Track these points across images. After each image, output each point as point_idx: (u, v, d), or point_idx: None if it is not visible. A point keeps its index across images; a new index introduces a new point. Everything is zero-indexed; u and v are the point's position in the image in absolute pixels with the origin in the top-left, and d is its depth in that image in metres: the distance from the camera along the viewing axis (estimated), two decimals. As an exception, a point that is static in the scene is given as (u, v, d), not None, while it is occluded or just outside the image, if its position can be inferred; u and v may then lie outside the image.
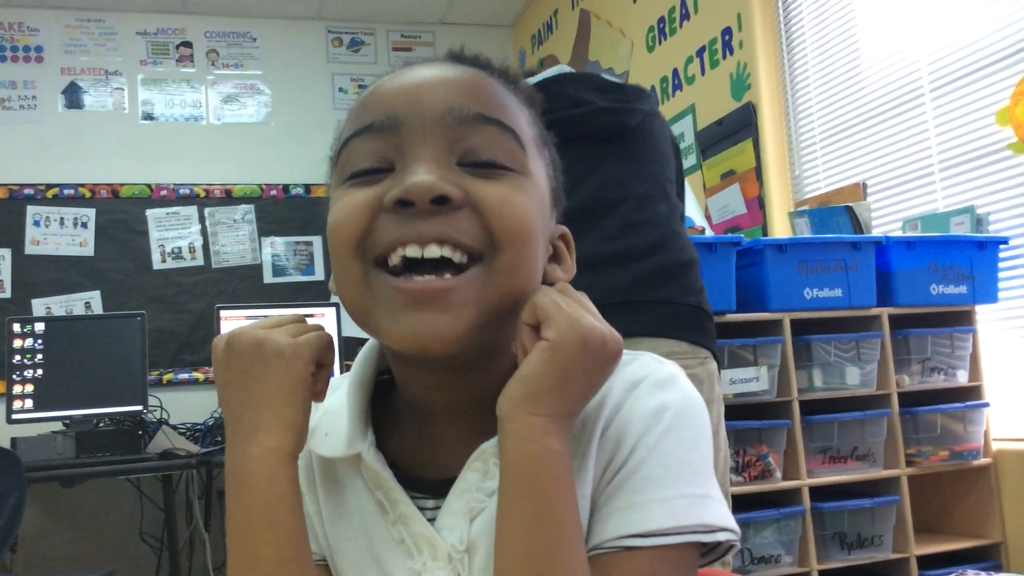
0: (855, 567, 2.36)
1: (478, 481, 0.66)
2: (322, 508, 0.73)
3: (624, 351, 0.66)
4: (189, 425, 3.64)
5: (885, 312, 2.44)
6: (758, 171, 3.19)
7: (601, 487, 0.64)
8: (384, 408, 0.73)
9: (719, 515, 0.64)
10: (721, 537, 0.64)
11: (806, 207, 2.78)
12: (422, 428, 0.71)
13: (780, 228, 3.11)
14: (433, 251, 0.60)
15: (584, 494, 0.65)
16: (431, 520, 0.67)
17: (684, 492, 0.63)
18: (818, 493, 2.35)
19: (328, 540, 0.73)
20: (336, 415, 0.71)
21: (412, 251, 0.60)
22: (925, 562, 2.40)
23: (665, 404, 0.65)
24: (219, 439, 3.45)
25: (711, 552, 0.66)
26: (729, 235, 2.82)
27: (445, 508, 0.67)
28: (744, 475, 2.28)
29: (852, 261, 2.41)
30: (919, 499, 2.50)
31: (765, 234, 3.15)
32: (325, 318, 3.76)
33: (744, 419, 2.30)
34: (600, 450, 0.65)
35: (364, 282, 0.62)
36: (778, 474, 2.32)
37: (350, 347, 3.78)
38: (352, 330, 3.88)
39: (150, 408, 3.53)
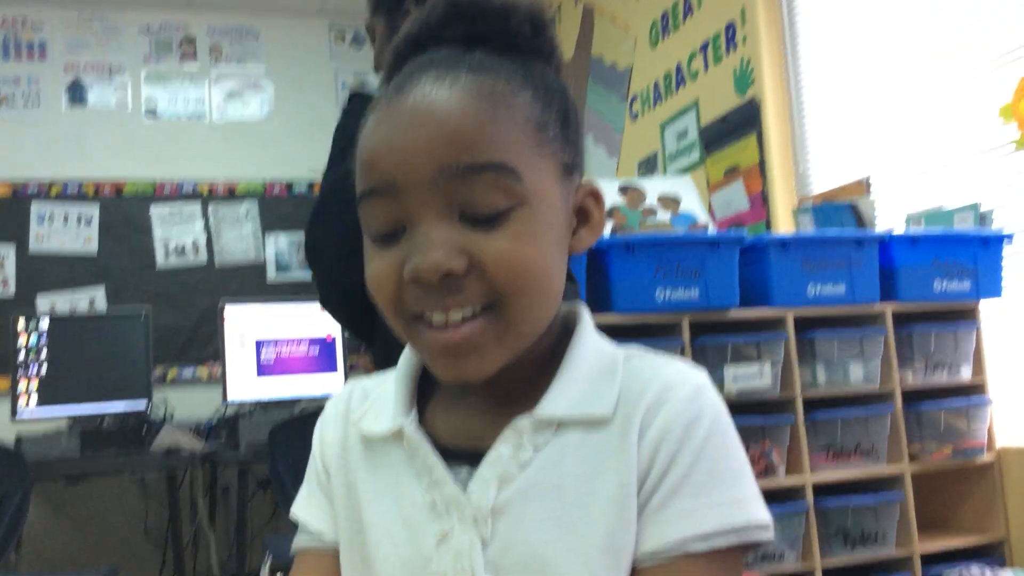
0: (858, 564, 2.36)
1: (511, 453, 0.70)
2: (359, 484, 0.77)
3: (654, 354, 0.73)
4: (194, 422, 3.65)
5: (888, 308, 2.44)
6: (762, 167, 3.19)
7: (647, 491, 0.68)
8: (426, 392, 0.79)
9: (764, 515, 0.69)
10: (764, 536, 0.69)
11: (810, 203, 2.78)
12: (460, 406, 0.76)
13: (784, 224, 3.10)
14: (455, 316, 0.67)
15: (628, 492, 0.68)
16: (463, 487, 0.71)
17: (735, 495, 0.68)
18: (821, 490, 2.35)
19: (357, 520, 0.76)
20: (383, 399, 0.78)
21: (437, 318, 0.68)
22: (928, 559, 2.40)
23: (702, 409, 0.70)
24: (223, 436, 3.46)
25: (748, 549, 0.70)
26: (732, 231, 2.82)
27: (476, 475, 0.71)
28: (747, 472, 2.28)
29: (856, 257, 2.41)
30: (922, 496, 2.50)
31: (768, 230, 3.15)
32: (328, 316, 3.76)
33: (747, 415, 2.30)
34: (640, 450, 0.69)
35: (407, 332, 0.71)
36: (781, 470, 2.32)
37: (352, 344, 3.79)
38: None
39: (154, 405, 3.54)
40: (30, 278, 4.22)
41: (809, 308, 2.38)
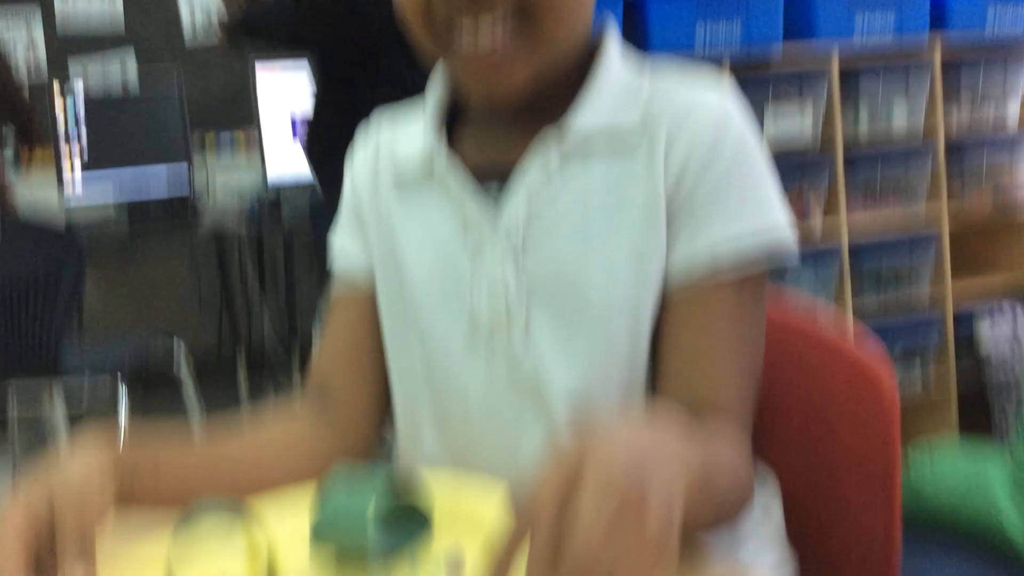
0: (889, 305, 2.41)
1: (540, 168, 0.72)
2: (392, 208, 0.79)
3: (676, 72, 0.74)
4: (236, 192, 3.70)
5: (937, 44, 2.34)
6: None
7: (677, 203, 0.69)
8: (455, 118, 0.80)
9: (788, 234, 0.71)
10: (788, 237, 0.71)
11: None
12: (489, 127, 0.77)
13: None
14: (485, 20, 0.66)
15: (654, 206, 0.69)
16: (494, 204, 0.73)
17: (762, 211, 0.70)
18: (857, 234, 2.37)
19: (391, 246, 0.79)
20: (413, 127, 0.79)
21: (468, 24, 0.66)
22: (962, 299, 2.45)
23: (727, 125, 0.70)
24: (266, 208, 3.52)
25: (775, 261, 0.73)
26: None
27: (507, 192, 0.72)
28: (784, 217, 2.29)
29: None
30: (958, 240, 2.51)
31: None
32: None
33: (785, 160, 2.28)
34: (667, 166, 0.69)
35: (434, 46, 0.70)
36: (818, 215, 2.33)
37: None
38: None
39: (195, 175, 3.58)
40: (59, 45, 4.16)
41: (855, 49, 2.30)
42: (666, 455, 0.47)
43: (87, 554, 0.56)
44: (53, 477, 0.59)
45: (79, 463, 0.60)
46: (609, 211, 0.71)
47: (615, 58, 0.75)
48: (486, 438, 0.74)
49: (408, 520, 0.56)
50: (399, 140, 0.80)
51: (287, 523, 0.58)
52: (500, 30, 0.66)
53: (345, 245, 0.83)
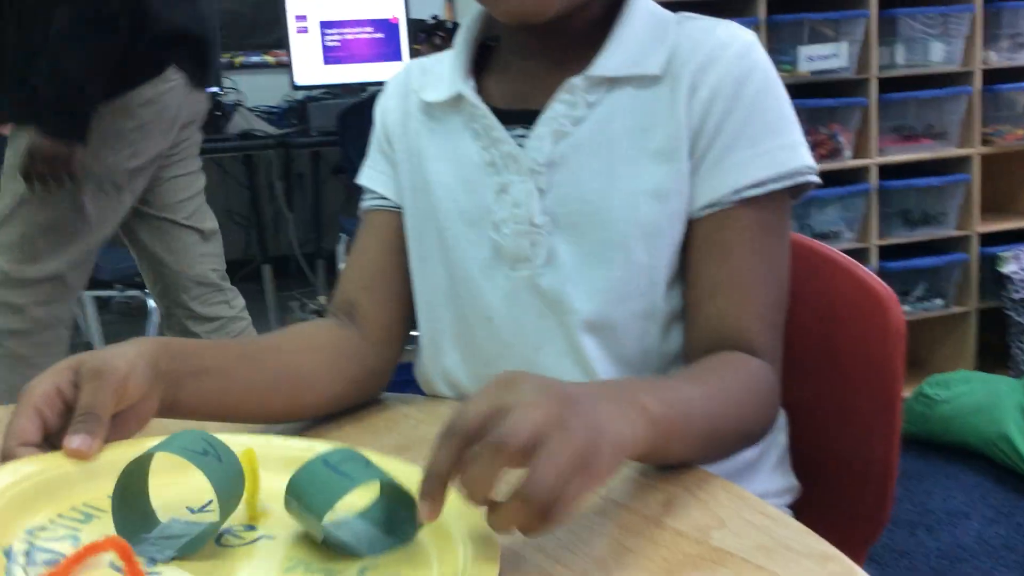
0: (916, 243, 2.42)
1: (565, 111, 0.74)
2: (422, 148, 0.81)
3: (702, 18, 0.75)
4: (264, 108, 3.71)
5: (981, -17, 2.30)
6: None
7: (702, 144, 0.72)
8: (486, 63, 0.82)
9: (810, 160, 0.73)
10: (812, 179, 0.73)
11: None
12: (515, 71, 0.79)
13: None
14: None
15: (677, 145, 0.72)
16: (520, 144, 0.75)
17: (785, 142, 0.72)
18: (887, 172, 2.36)
19: (420, 180, 0.81)
20: (442, 71, 0.81)
21: None
22: (987, 240, 2.44)
23: (754, 65, 0.73)
24: (295, 122, 3.53)
25: (797, 192, 0.75)
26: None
27: (533, 132, 0.75)
28: (812, 154, 2.28)
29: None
30: (990, 179, 2.49)
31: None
32: (391, -3, 3.67)
33: (818, 97, 2.26)
34: (691, 106, 0.72)
35: None
36: (847, 153, 2.32)
37: (416, 27, 3.74)
38: (417, 11, 3.80)
39: (225, 90, 3.58)
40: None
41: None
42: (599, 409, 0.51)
43: (94, 425, 0.55)
44: (88, 356, 0.59)
45: (117, 349, 0.61)
46: (632, 148, 0.73)
47: (641, 3, 0.77)
48: (507, 359, 0.77)
49: (389, 526, 0.53)
50: (429, 83, 0.82)
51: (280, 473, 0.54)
52: None
53: (374, 175, 0.86)
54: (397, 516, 0.53)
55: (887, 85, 2.32)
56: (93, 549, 0.47)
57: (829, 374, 0.88)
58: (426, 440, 0.72)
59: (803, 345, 0.82)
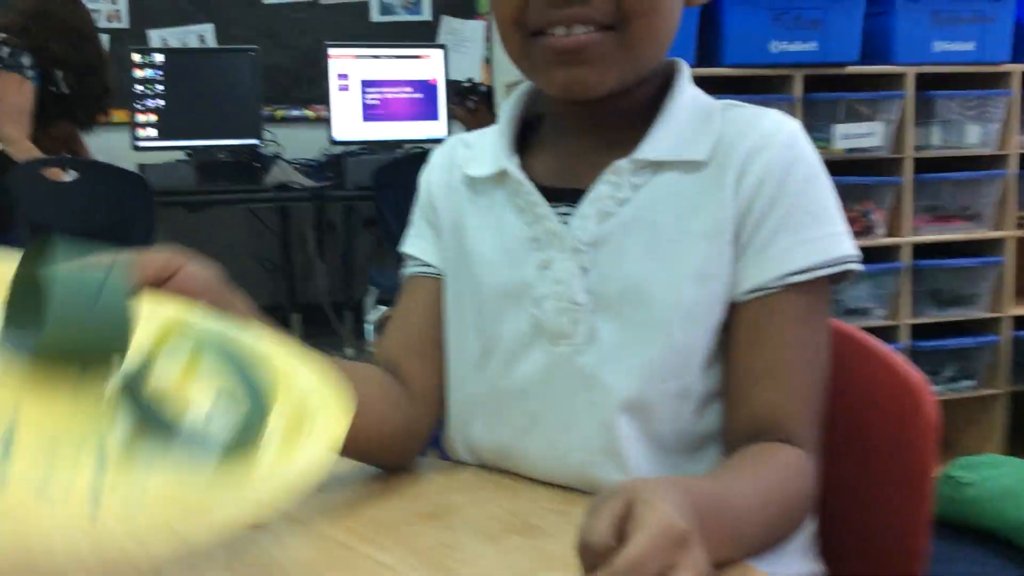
0: (947, 323, 2.40)
1: (611, 191, 0.75)
2: (466, 222, 0.83)
3: (747, 106, 0.77)
4: (303, 160, 3.77)
5: (1018, 69, 2.31)
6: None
7: (747, 229, 0.73)
8: (530, 139, 0.83)
9: (854, 249, 0.74)
10: (856, 267, 0.75)
11: (948, -49, 2.57)
12: (560, 150, 0.80)
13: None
14: (577, 30, 0.70)
15: (721, 229, 0.73)
16: (564, 222, 0.76)
17: (830, 231, 0.73)
18: (920, 251, 2.35)
19: (463, 252, 0.82)
20: (486, 147, 0.83)
21: (559, 31, 0.71)
22: (1021, 322, 2.42)
23: (800, 154, 0.74)
24: (331, 175, 3.58)
25: (838, 280, 0.76)
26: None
27: (577, 212, 0.76)
28: (846, 230, 2.29)
29: (990, 12, 2.26)
30: (1021, 263, 2.48)
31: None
32: (431, 59, 3.74)
33: (853, 175, 2.27)
34: (738, 192, 0.73)
35: (523, 47, 0.74)
36: (880, 230, 2.32)
37: (454, 87, 3.80)
38: (456, 73, 3.87)
39: (265, 142, 3.65)
40: (141, 11, 4.27)
41: (933, 66, 2.28)
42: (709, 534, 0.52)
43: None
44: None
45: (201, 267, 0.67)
46: (676, 230, 0.74)
47: (687, 90, 0.78)
48: (537, 434, 0.77)
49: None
50: (473, 158, 0.84)
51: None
52: (590, 36, 0.71)
53: (418, 242, 0.87)
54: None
55: (922, 165, 2.33)
56: None
57: (859, 458, 0.87)
58: (453, 508, 0.73)
59: (834, 428, 0.81)
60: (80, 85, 3.13)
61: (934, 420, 0.81)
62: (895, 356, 0.85)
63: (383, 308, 3.11)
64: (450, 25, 4.53)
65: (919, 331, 2.37)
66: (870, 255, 2.30)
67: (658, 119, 0.76)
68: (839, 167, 2.25)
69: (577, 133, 0.79)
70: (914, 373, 0.83)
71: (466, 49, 4.46)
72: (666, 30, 0.74)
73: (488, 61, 4.54)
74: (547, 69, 0.73)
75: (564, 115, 0.80)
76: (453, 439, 0.84)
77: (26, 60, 2.96)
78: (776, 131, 0.74)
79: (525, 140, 0.83)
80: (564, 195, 0.77)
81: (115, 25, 4.25)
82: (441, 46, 3.85)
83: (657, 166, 0.75)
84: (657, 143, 0.75)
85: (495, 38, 3.71)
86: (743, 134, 0.74)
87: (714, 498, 0.61)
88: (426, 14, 4.53)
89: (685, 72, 0.80)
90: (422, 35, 4.47)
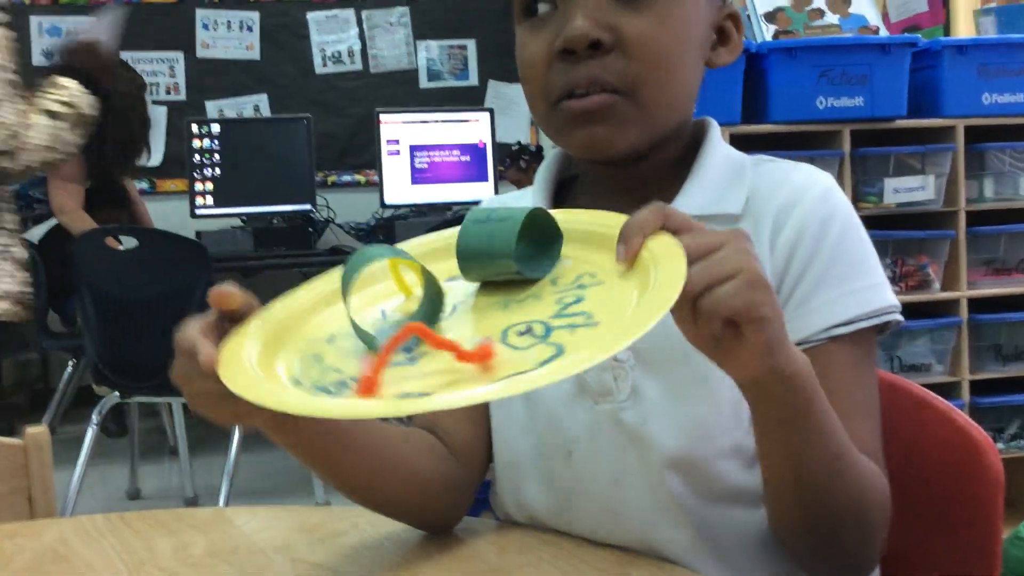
0: (1009, 379, 2.34)
1: None
2: None
3: (778, 160, 0.78)
4: (354, 224, 3.84)
5: (1072, 120, 2.28)
6: (943, -36, 2.95)
7: (788, 284, 0.73)
8: (566, 200, 0.84)
9: (895, 299, 0.74)
10: (898, 317, 0.74)
11: (994, 4, 2.57)
12: (597, 206, 0.79)
13: (964, 27, 2.90)
14: (595, 89, 0.72)
15: None
16: None
17: (870, 282, 0.74)
18: (977, 305, 2.31)
19: None
20: (524, 205, 0.81)
21: (579, 91, 0.73)
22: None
23: (836, 206, 0.75)
24: (381, 238, 3.64)
25: (881, 330, 0.75)
26: (905, 35, 2.66)
27: None
28: (901, 285, 2.26)
29: (1040, 64, 2.25)
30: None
31: (947, 34, 2.94)
32: (479, 122, 3.81)
33: (906, 229, 2.25)
34: (776, 248, 0.74)
35: (548, 115, 0.76)
36: (936, 285, 2.29)
37: (503, 151, 3.86)
38: (503, 136, 3.94)
39: (318, 207, 3.73)
40: (198, 84, 4.43)
41: (982, 118, 2.26)
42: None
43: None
44: None
45: None
46: None
47: (718, 147, 0.79)
48: (587, 493, 0.77)
49: (544, 244, 0.63)
50: (510, 204, 0.84)
51: (434, 267, 0.63)
52: (607, 96, 0.72)
53: None
54: (542, 249, 0.62)
55: (976, 218, 2.30)
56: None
57: (923, 518, 0.85)
58: (509, 569, 0.72)
59: (896, 488, 0.80)
60: (125, 153, 3.22)
61: (999, 478, 0.79)
62: (957, 413, 0.84)
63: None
64: (497, 89, 4.62)
65: (980, 387, 2.32)
66: (927, 310, 2.27)
67: (691, 175, 0.77)
68: (891, 221, 2.23)
69: (611, 194, 0.80)
70: (977, 430, 0.81)
71: (513, 112, 4.53)
72: (681, 93, 0.76)
73: (534, 123, 4.60)
74: (568, 131, 0.75)
75: (597, 177, 0.82)
76: (503, 499, 0.83)
77: None
78: (810, 184, 0.75)
79: (561, 201, 0.84)
80: None
81: (174, 97, 4.41)
82: (488, 110, 3.92)
83: (693, 219, 0.75)
84: (691, 198, 0.76)
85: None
86: (777, 188, 0.75)
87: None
88: (473, 79, 4.63)
89: (715, 130, 0.81)
90: (469, 100, 4.56)
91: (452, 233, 0.64)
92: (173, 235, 2.73)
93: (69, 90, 1.88)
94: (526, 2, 0.76)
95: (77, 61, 1.95)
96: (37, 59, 4.28)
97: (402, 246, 0.65)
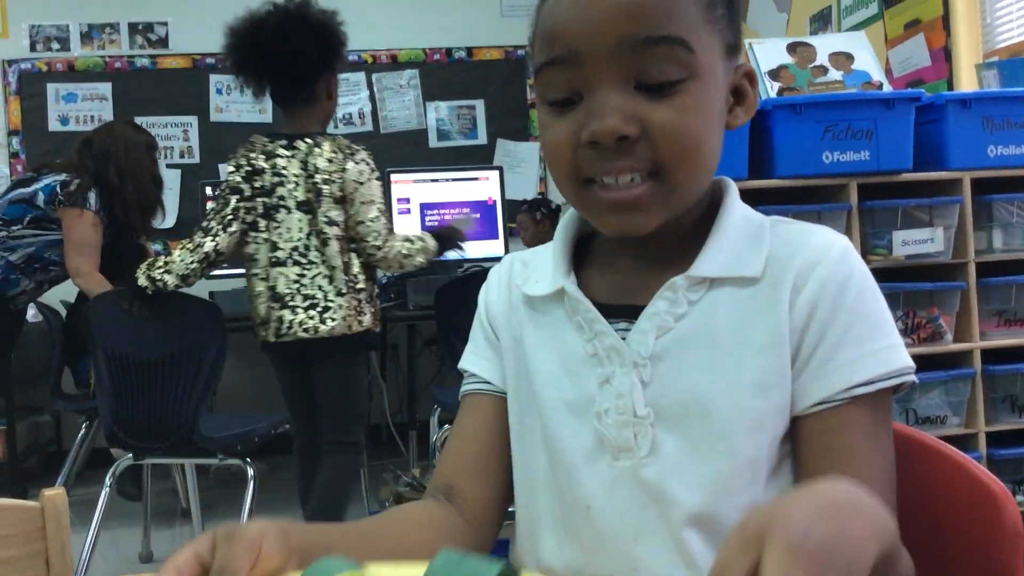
0: (1025, 431, 2.32)
1: (667, 307, 0.77)
2: (525, 338, 0.85)
3: (795, 222, 0.80)
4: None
5: (1078, 170, 2.30)
6: (945, 20, 2.99)
7: (807, 343, 0.75)
8: (584, 259, 0.86)
9: (910, 360, 0.75)
10: (913, 377, 0.76)
11: (996, 58, 2.61)
12: (616, 269, 0.83)
13: (967, 82, 2.93)
14: (624, 179, 0.74)
15: (779, 342, 0.74)
16: (622, 338, 0.78)
17: (889, 343, 0.75)
18: (990, 356, 2.30)
19: (523, 368, 0.84)
20: (544, 264, 0.86)
21: (608, 180, 0.74)
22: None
23: (852, 269, 0.76)
24: (392, 296, 3.66)
25: (896, 390, 0.76)
26: (908, 90, 2.69)
27: (635, 328, 0.78)
28: (913, 337, 2.26)
29: (1043, 116, 2.27)
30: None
31: (950, 88, 2.98)
32: (488, 180, 3.85)
33: (916, 281, 2.25)
34: (795, 308, 0.75)
35: (579, 195, 0.78)
36: (949, 336, 2.28)
37: (513, 208, 3.89)
38: (512, 193, 3.98)
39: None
40: (212, 147, 4.50)
41: (988, 171, 2.28)
42: (855, 524, 0.48)
43: None
44: (224, 525, 0.62)
45: (252, 526, 0.63)
46: (733, 343, 0.75)
47: (736, 209, 0.81)
48: (606, 550, 0.77)
49: None
50: (531, 278, 0.87)
51: None
52: (637, 187, 0.74)
53: (477, 359, 0.90)
54: None
55: (986, 269, 2.30)
56: None
57: (941, 571, 0.84)
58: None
59: (913, 541, 0.79)
60: (140, 212, 3.26)
61: (1018, 530, 0.79)
62: (974, 465, 0.84)
63: (448, 427, 3.11)
64: (505, 147, 4.69)
65: (996, 439, 2.30)
66: (940, 362, 2.27)
67: (711, 237, 0.78)
68: (901, 274, 2.24)
69: (632, 255, 0.82)
70: (995, 482, 0.81)
71: (522, 169, 4.59)
72: (704, 170, 0.77)
73: (543, 179, 4.65)
74: (601, 215, 0.77)
75: (617, 240, 0.83)
76: (524, 556, 0.84)
77: (92, 196, 3.10)
78: (827, 246, 0.77)
79: (580, 256, 0.86)
80: (621, 312, 0.79)
81: (187, 160, 4.48)
82: (498, 168, 3.96)
83: (712, 282, 0.77)
84: (711, 261, 0.77)
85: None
86: (795, 250, 0.77)
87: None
88: (482, 138, 4.69)
89: (733, 191, 0.82)
90: (479, 158, 4.62)
91: (420, 570, 0.60)
92: (187, 295, 2.75)
93: None
94: (549, 93, 0.77)
95: None
96: (53, 125, 4.36)
97: (369, 569, 0.61)
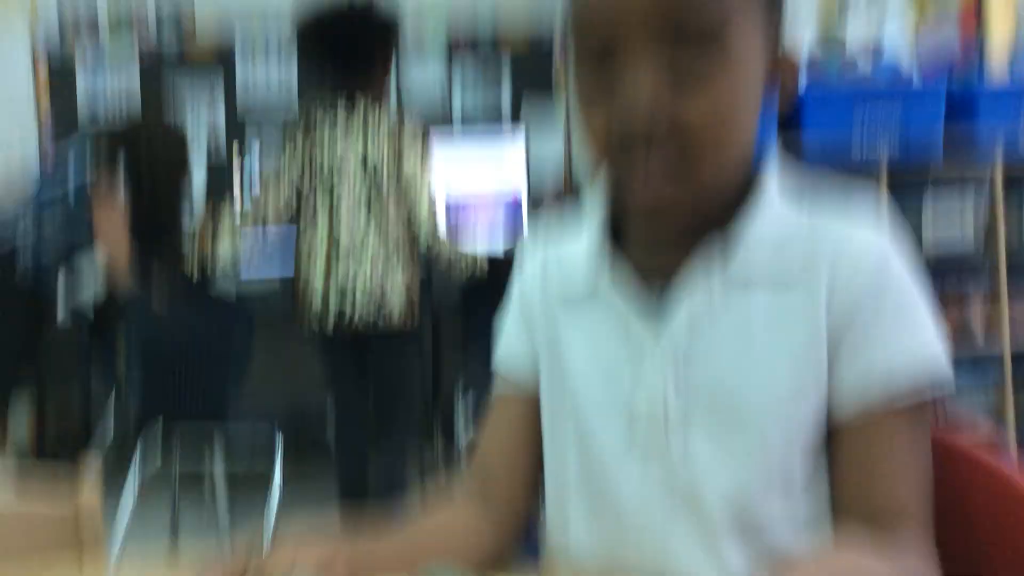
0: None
1: (703, 310, 0.76)
2: (561, 336, 0.84)
3: (836, 212, 0.77)
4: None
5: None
6: (978, 8, 2.95)
7: (845, 348, 0.73)
8: (617, 234, 0.84)
9: (948, 362, 0.73)
10: (950, 382, 0.73)
11: (1028, 48, 2.56)
12: (649, 239, 0.81)
13: (998, 72, 2.89)
14: (654, 167, 0.71)
15: (815, 344, 0.73)
16: (656, 339, 0.77)
17: (930, 352, 0.72)
18: (1020, 341, 2.27)
19: (559, 366, 0.84)
20: (577, 259, 0.84)
21: (639, 167, 0.72)
22: None
23: (894, 269, 0.74)
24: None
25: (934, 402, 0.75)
26: (937, 81, 2.65)
27: (669, 328, 0.77)
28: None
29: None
30: None
31: (981, 79, 2.93)
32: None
33: (946, 266, 2.23)
34: (831, 309, 0.73)
35: (612, 164, 0.76)
36: (979, 335, 2.25)
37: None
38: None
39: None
40: (237, 136, 4.49)
41: (1018, 155, 2.24)
42: None
43: None
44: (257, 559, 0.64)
45: (283, 552, 0.65)
46: (769, 338, 0.74)
47: (775, 188, 0.79)
48: (637, 538, 0.76)
49: None
50: (565, 256, 0.86)
51: None
52: (667, 161, 0.72)
53: (511, 345, 0.89)
54: None
55: (1015, 253, 2.26)
56: None
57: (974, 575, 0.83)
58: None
59: (943, 546, 0.78)
60: (170, 214, 3.28)
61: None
62: (1006, 466, 0.82)
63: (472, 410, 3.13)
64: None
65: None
66: (970, 346, 2.23)
67: (742, 236, 0.76)
68: (931, 255, 2.21)
69: (661, 240, 0.80)
70: (1024, 482, 0.79)
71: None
72: (735, 159, 0.75)
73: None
74: (628, 189, 0.75)
75: (648, 221, 0.81)
76: (554, 543, 0.84)
77: (122, 191, 3.12)
78: (867, 249, 0.74)
79: (615, 230, 0.84)
80: (656, 283, 0.78)
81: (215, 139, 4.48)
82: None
83: (748, 273, 0.75)
84: (746, 262, 0.75)
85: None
86: (832, 242, 0.75)
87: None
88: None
89: (773, 167, 0.80)
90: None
91: None
92: (217, 296, 2.77)
93: None
94: (583, 84, 0.75)
95: None
96: (82, 112, 4.39)
97: None
